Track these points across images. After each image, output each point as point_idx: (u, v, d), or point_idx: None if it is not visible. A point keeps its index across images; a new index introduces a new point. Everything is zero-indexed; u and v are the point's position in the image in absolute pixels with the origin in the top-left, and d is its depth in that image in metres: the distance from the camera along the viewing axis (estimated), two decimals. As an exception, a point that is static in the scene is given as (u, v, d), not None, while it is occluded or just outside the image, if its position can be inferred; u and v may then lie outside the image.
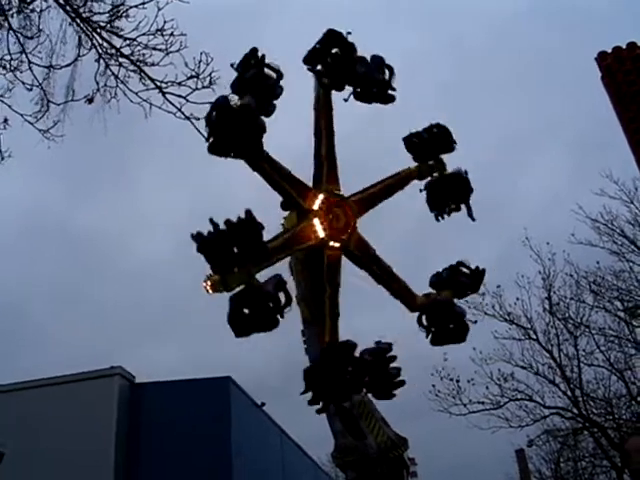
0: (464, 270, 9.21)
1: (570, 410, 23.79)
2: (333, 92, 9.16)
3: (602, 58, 22.15)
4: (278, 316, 7.39)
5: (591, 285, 24.38)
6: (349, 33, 8.73)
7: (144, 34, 8.32)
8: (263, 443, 27.05)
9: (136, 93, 8.50)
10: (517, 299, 24.45)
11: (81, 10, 8.15)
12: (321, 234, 8.30)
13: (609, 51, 21.95)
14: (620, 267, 24.31)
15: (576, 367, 23.76)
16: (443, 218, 9.44)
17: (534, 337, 24.26)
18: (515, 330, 24.45)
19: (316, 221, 8.31)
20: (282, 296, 7.46)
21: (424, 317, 8.79)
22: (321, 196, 8.52)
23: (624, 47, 21.94)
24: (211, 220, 6.85)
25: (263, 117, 7.64)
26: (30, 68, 8.40)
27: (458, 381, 23.64)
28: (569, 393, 23.62)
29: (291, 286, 7.91)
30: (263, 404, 27.55)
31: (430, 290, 9.18)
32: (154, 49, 8.34)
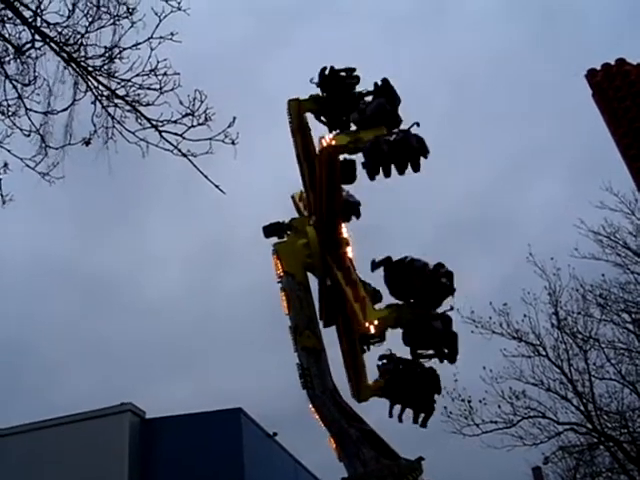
0: None
1: (584, 425, 23.55)
2: None
3: (592, 75, 22.17)
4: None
5: (598, 298, 24.31)
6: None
7: (138, 75, 8.45)
8: (277, 473, 26.84)
9: (133, 133, 8.62)
10: (524, 316, 24.40)
11: (75, 55, 8.32)
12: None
13: (598, 68, 22.02)
14: (625, 279, 24.29)
15: (587, 381, 23.63)
16: None
17: (543, 353, 24.20)
18: (524, 347, 24.37)
19: (349, 249, 8.79)
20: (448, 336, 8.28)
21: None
22: (344, 224, 8.87)
23: (613, 63, 22.04)
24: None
25: None
26: (27, 114, 8.54)
27: (470, 401, 23.49)
28: (582, 408, 23.42)
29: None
30: (275, 434, 27.39)
31: None
32: (149, 89, 8.47)
